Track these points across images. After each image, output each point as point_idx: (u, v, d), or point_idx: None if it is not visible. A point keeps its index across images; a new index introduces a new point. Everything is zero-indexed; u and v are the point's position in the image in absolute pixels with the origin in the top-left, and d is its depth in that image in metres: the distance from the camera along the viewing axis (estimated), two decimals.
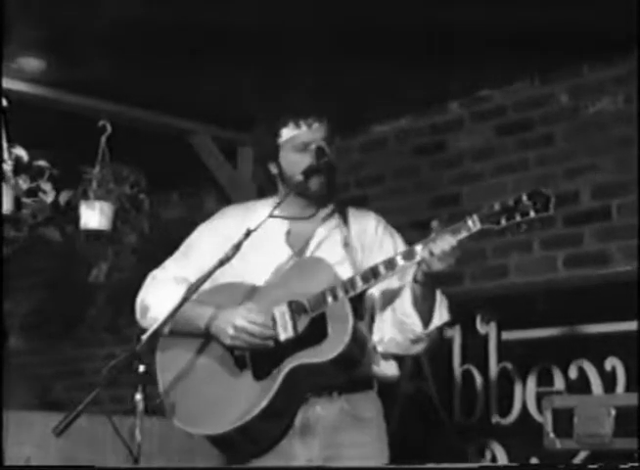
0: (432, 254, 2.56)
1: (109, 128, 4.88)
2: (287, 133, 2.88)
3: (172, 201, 6.47)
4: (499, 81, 4.77)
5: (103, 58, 4.45)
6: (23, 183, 4.63)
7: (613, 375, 4.20)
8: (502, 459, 4.33)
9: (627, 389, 4.12)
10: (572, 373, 4.34)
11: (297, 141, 2.86)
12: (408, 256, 2.64)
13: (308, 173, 2.80)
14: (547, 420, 3.72)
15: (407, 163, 5.18)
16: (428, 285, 2.67)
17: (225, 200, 5.48)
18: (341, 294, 2.65)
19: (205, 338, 2.77)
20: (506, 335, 4.55)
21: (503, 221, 2.55)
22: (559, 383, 4.37)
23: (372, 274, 2.66)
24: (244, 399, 2.66)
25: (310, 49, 4.29)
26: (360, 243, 2.88)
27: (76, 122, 4.86)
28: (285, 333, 2.67)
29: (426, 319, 2.71)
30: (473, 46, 4.22)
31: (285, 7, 3.93)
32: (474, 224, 2.57)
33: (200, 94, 4.85)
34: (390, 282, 2.80)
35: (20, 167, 4.62)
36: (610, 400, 3.70)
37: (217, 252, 2.68)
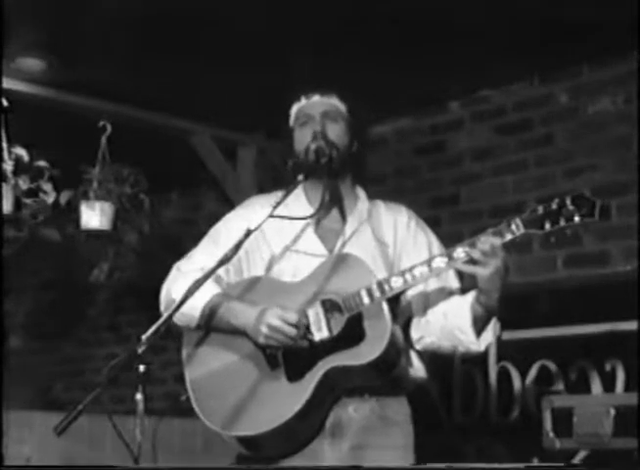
0: (473, 255, 2.50)
1: (109, 128, 4.88)
2: (293, 111, 2.84)
3: (172, 201, 6.47)
4: (499, 81, 4.77)
5: (103, 58, 4.45)
6: (24, 183, 4.63)
7: (612, 375, 4.20)
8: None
9: (627, 389, 4.13)
10: (572, 373, 4.34)
11: (299, 115, 2.81)
12: (448, 257, 2.56)
13: (308, 174, 2.72)
14: (547, 420, 3.72)
15: (407, 163, 5.18)
16: (490, 309, 2.62)
17: (225, 200, 5.48)
18: (377, 294, 2.57)
19: (235, 334, 2.68)
20: (506, 335, 4.55)
21: (547, 226, 2.47)
22: (558, 383, 4.38)
23: (410, 275, 2.58)
24: (277, 400, 2.60)
25: (310, 49, 4.30)
26: (392, 238, 2.79)
27: (76, 122, 4.86)
28: (319, 333, 2.59)
29: (479, 335, 2.67)
30: (473, 46, 4.23)
31: (285, 7, 3.93)
32: (517, 228, 2.50)
33: (200, 94, 4.86)
34: (428, 282, 2.72)
35: (20, 168, 4.62)
36: (609, 400, 3.71)
37: (248, 240, 2.59)
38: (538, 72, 4.68)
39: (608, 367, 4.23)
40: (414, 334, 2.76)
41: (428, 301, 2.76)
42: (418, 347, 2.76)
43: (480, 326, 2.65)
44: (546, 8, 3.86)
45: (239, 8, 3.94)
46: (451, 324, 2.68)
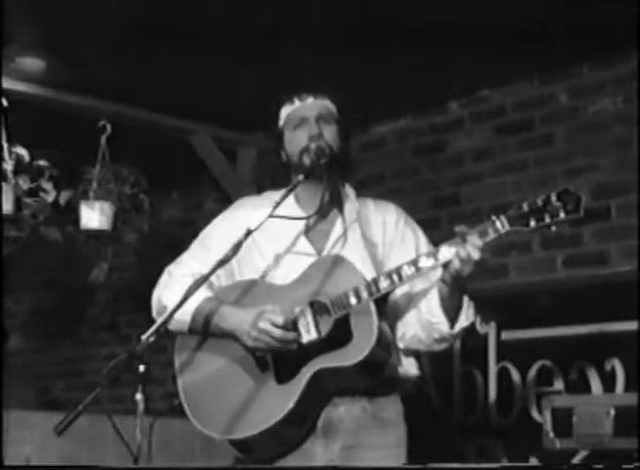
0: (458, 256, 2.49)
1: (109, 128, 4.88)
2: (284, 113, 2.84)
3: (172, 201, 6.47)
4: (499, 81, 4.77)
5: (103, 58, 4.45)
6: (24, 183, 4.63)
7: (612, 375, 4.20)
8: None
9: (627, 389, 4.13)
10: (572, 373, 4.34)
11: (292, 117, 2.80)
12: (434, 257, 2.56)
13: (308, 174, 2.72)
14: (547, 420, 3.73)
15: (407, 163, 5.18)
16: (455, 286, 2.59)
17: (225, 200, 5.48)
18: (364, 295, 2.58)
19: (226, 338, 2.70)
20: (506, 335, 4.55)
21: (532, 223, 2.45)
22: (558, 383, 4.38)
23: (397, 275, 2.58)
24: (267, 402, 2.61)
25: (310, 48, 4.30)
26: (381, 238, 2.80)
27: (76, 122, 4.86)
28: (308, 335, 2.60)
29: (452, 320, 2.64)
30: (473, 46, 4.22)
31: (285, 6, 3.93)
32: (502, 226, 2.48)
33: (200, 94, 4.86)
34: (413, 282, 2.71)
35: (20, 167, 4.62)
36: (609, 400, 3.71)
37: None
38: (538, 72, 4.68)
39: (608, 367, 4.23)
40: (398, 332, 2.76)
41: (413, 300, 2.76)
42: (401, 345, 2.75)
43: (448, 305, 2.63)
44: (546, 8, 3.86)
45: (239, 8, 3.94)
46: (424, 311, 2.68)
